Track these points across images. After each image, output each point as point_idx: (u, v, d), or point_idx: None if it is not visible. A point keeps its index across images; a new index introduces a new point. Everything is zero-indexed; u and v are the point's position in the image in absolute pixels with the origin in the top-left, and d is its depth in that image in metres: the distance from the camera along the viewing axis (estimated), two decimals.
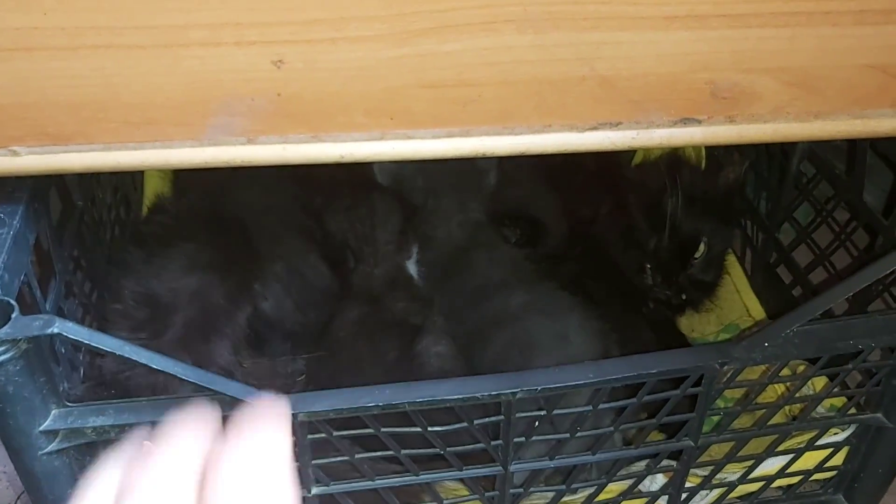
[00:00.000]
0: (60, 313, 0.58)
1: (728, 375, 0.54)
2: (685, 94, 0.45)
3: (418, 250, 0.78)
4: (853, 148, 0.72)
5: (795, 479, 0.66)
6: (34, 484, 0.49)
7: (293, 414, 0.48)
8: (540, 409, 0.53)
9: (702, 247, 0.80)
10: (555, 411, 0.53)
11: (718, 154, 0.92)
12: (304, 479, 0.53)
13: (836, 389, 0.62)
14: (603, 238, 0.84)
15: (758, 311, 0.87)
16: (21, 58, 0.39)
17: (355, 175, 0.79)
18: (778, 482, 0.65)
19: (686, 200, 0.79)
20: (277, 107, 0.43)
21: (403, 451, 0.52)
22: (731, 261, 0.91)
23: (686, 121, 0.47)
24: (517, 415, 0.52)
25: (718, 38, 0.43)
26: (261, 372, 0.64)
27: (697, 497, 0.65)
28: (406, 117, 0.45)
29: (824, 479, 0.68)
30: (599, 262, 0.82)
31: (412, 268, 0.77)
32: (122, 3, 0.38)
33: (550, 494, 0.61)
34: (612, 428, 0.55)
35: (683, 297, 0.81)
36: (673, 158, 0.85)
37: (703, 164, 0.94)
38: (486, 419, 0.52)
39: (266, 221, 0.72)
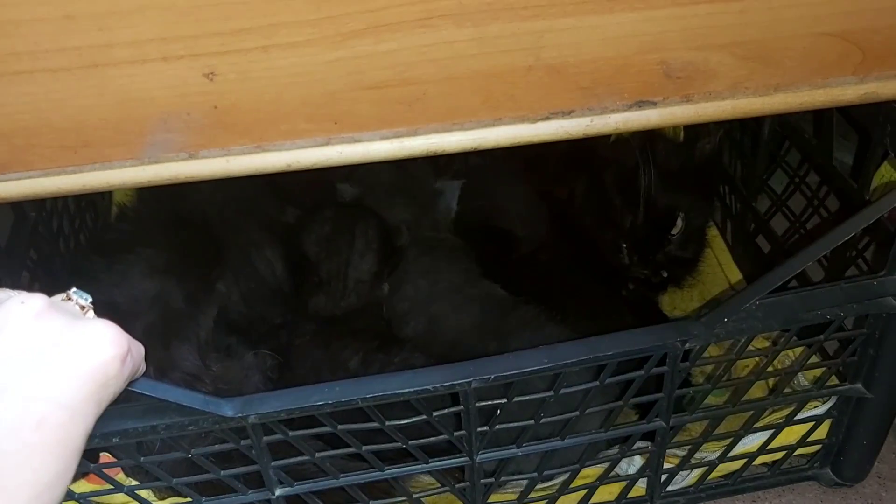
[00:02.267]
0: None
1: (694, 352, 0.54)
2: (637, 77, 0.45)
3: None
4: (820, 111, 0.70)
5: (779, 455, 0.65)
6: None
7: (244, 416, 0.48)
8: (502, 397, 0.52)
9: (679, 222, 0.79)
10: (515, 398, 0.52)
11: (696, 126, 0.90)
12: (266, 482, 0.53)
13: (816, 360, 0.62)
14: (580, 219, 0.82)
15: (740, 284, 0.86)
16: None
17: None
18: (761, 458, 0.65)
19: (661, 175, 0.77)
20: (215, 119, 0.42)
21: (365, 448, 0.52)
22: (713, 234, 0.90)
23: (641, 103, 0.46)
24: (476, 404, 0.51)
25: (666, 17, 0.42)
26: (231, 376, 0.63)
27: (678, 478, 0.65)
28: (350, 120, 0.44)
29: (810, 454, 0.68)
30: (578, 246, 0.81)
31: (384, 293, 0.76)
32: (40, 26, 0.38)
33: (524, 482, 0.60)
34: (576, 413, 0.55)
35: (664, 274, 0.80)
36: (646, 133, 0.83)
37: (681, 137, 0.93)
38: (446, 410, 0.52)
39: (227, 213, 0.72)
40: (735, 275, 0.87)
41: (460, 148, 0.46)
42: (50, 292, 0.64)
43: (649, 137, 0.81)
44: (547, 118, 0.46)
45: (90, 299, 0.41)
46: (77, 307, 0.41)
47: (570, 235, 0.81)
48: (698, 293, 0.86)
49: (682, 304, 0.85)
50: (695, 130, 0.88)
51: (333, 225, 0.75)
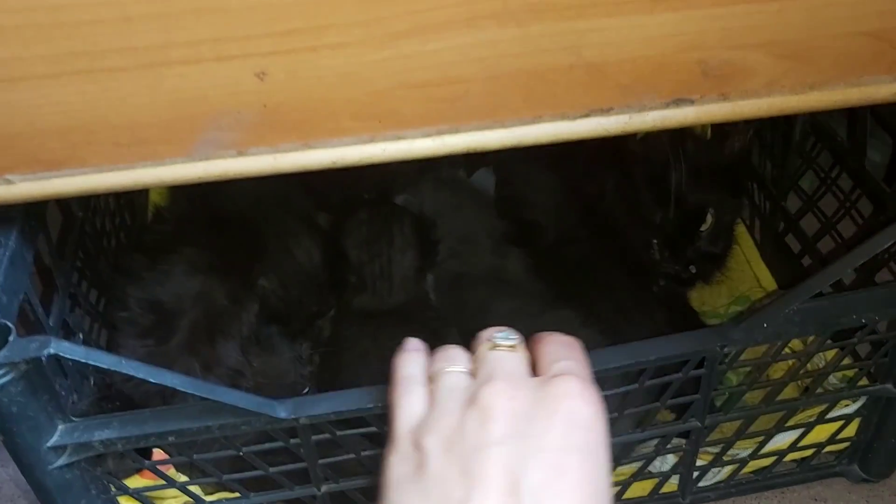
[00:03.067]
0: (66, 327, 0.58)
1: (731, 356, 0.54)
2: (676, 75, 0.45)
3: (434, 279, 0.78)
4: (853, 115, 0.70)
5: (808, 452, 0.66)
6: (48, 498, 0.50)
7: (296, 418, 0.49)
8: None
9: (709, 218, 0.79)
10: None
11: (724, 124, 0.90)
12: (313, 478, 0.54)
13: (847, 361, 0.62)
14: (610, 215, 0.83)
15: (768, 282, 0.86)
16: (5, 88, 0.39)
17: (368, 183, 0.78)
18: (791, 455, 0.66)
19: (691, 171, 0.78)
20: (264, 118, 0.43)
21: None
22: (741, 231, 0.90)
23: (678, 101, 0.46)
24: None
25: (705, 17, 0.43)
26: (271, 371, 0.65)
27: (710, 474, 0.65)
28: (394, 118, 0.44)
29: (838, 451, 0.68)
30: (609, 242, 0.82)
31: (429, 288, 0.77)
32: (99, 28, 0.38)
33: None
34: (616, 414, 0.55)
35: (693, 270, 0.81)
36: (677, 130, 0.84)
37: (709, 134, 0.94)
38: None
39: (263, 208, 0.72)
40: (763, 272, 0.87)
41: (500, 145, 0.46)
42: (98, 290, 0.67)
43: (679, 134, 0.81)
44: (586, 116, 0.46)
45: (514, 336, 0.39)
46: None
47: (600, 232, 0.81)
48: (726, 289, 0.86)
49: (711, 301, 0.86)
50: (724, 128, 0.89)
51: (369, 227, 0.75)
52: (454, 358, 0.39)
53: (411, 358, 0.41)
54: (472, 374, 0.38)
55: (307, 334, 0.69)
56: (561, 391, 0.35)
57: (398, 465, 0.36)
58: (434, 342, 0.65)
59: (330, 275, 0.73)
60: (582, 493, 0.33)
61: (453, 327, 0.71)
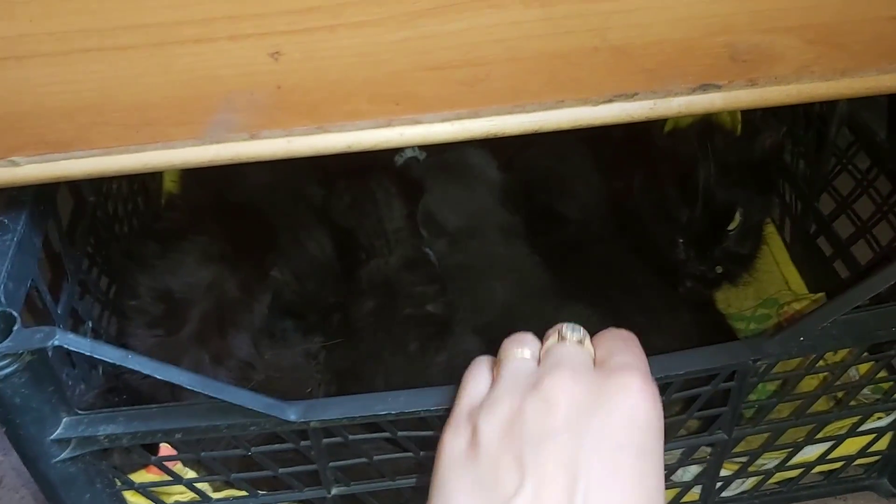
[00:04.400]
0: (74, 315, 0.57)
1: (763, 368, 0.52)
2: (703, 60, 0.43)
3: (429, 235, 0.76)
4: (894, 113, 0.67)
5: (837, 465, 0.63)
6: (51, 491, 0.49)
7: (306, 421, 0.47)
8: None
9: (737, 217, 0.76)
10: None
11: (755, 120, 0.88)
12: (323, 481, 0.53)
13: (882, 374, 0.60)
14: (637, 212, 0.81)
15: (797, 285, 0.83)
16: (12, 66, 0.38)
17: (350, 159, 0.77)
18: (819, 467, 0.63)
19: (720, 169, 0.75)
20: (278, 99, 0.42)
21: (423, 453, 0.51)
22: (770, 231, 0.87)
23: (705, 87, 0.44)
24: None
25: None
26: (282, 363, 0.63)
27: (734, 485, 0.63)
28: (412, 102, 0.43)
29: (868, 464, 0.65)
30: (634, 240, 0.79)
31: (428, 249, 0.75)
32: (109, 4, 0.37)
33: None
34: None
35: (719, 270, 0.78)
36: (706, 125, 0.81)
37: (739, 130, 0.91)
38: None
39: (275, 198, 0.71)
40: (793, 274, 0.84)
41: (520, 131, 0.45)
42: (108, 277, 0.66)
43: (708, 129, 0.79)
44: (610, 101, 0.44)
45: (581, 331, 0.39)
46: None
47: (625, 229, 0.79)
48: (754, 291, 0.83)
49: (737, 302, 0.83)
50: (754, 124, 0.86)
51: (351, 193, 0.74)
52: (524, 342, 0.39)
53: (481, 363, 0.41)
54: (539, 362, 0.38)
55: (323, 328, 0.68)
56: (623, 386, 0.35)
57: (452, 442, 0.35)
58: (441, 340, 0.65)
59: (344, 265, 0.72)
60: (634, 493, 0.32)
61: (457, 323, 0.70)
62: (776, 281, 0.84)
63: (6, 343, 0.41)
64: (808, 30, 0.42)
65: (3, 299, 0.44)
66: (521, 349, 0.38)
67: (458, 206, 0.78)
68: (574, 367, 0.36)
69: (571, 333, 0.38)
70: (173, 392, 0.56)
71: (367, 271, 0.70)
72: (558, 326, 0.39)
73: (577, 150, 0.84)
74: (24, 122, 0.40)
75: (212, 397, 0.44)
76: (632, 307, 0.71)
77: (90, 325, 0.61)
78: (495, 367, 0.38)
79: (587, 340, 0.38)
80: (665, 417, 0.51)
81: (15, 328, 0.41)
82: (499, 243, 0.76)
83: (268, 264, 0.66)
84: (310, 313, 0.70)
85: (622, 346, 0.38)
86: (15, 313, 0.42)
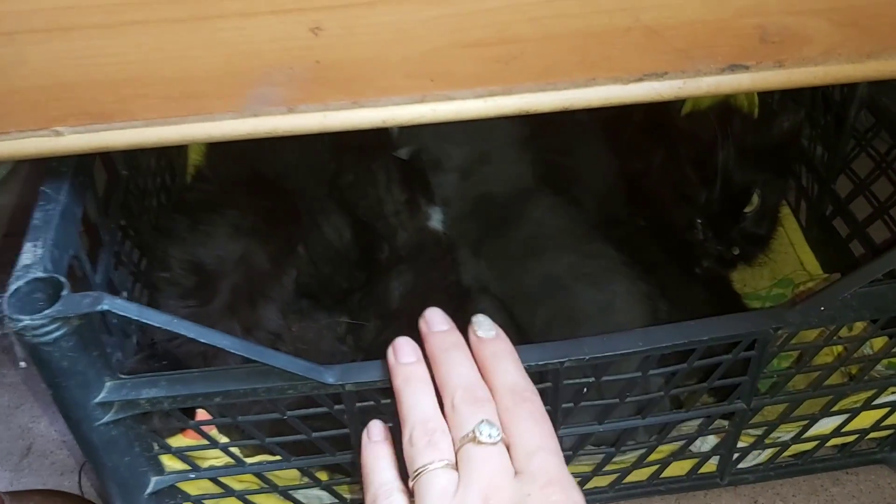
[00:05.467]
0: (111, 285, 0.59)
1: (782, 339, 0.53)
2: (733, 41, 0.44)
3: (443, 206, 0.77)
4: None
5: (851, 438, 0.64)
6: (93, 453, 0.50)
7: (342, 384, 0.49)
8: (587, 377, 0.52)
9: (755, 199, 0.77)
10: (603, 378, 0.52)
11: (772, 102, 0.88)
12: (354, 445, 0.54)
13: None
14: (655, 193, 0.82)
15: (812, 265, 0.84)
16: (59, 38, 0.39)
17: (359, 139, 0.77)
18: (833, 441, 0.64)
19: (738, 151, 0.76)
20: (316, 74, 0.43)
21: None
22: (786, 213, 0.88)
23: (734, 67, 0.45)
24: (564, 382, 0.51)
25: None
26: (309, 335, 0.64)
27: (750, 456, 0.64)
28: (446, 78, 0.44)
29: (880, 438, 0.67)
30: (653, 220, 0.80)
31: (436, 224, 0.76)
32: None
33: (601, 456, 0.60)
34: (661, 393, 0.55)
35: (736, 251, 0.79)
36: (724, 107, 0.82)
37: (756, 113, 0.92)
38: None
39: (300, 179, 0.72)
40: (808, 255, 0.86)
41: (552, 108, 0.46)
42: (140, 250, 0.67)
43: (726, 111, 0.79)
44: (640, 80, 0.45)
45: (496, 431, 0.39)
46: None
47: (644, 210, 0.80)
48: (769, 271, 0.84)
49: (753, 282, 0.84)
50: (772, 107, 0.87)
51: (353, 171, 0.75)
52: (437, 445, 0.38)
53: (380, 456, 0.41)
54: (454, 466, 0.38)
55: (345, 308, 0.69)
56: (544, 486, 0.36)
57: None
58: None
59: (362, 252, 0.73)
60: None
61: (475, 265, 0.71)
62: (791, 261, 0.85)
63: (56, 307, 0.42)
64: (836, 12, 0.43)
65: (49, 266, 0.45)
66: (436, 457, 0.38)
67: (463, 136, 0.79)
68: (495, 482, 0.36)
69: (487, 435, 0.38)
70: (206, 359, 0.58)
71: (385, 252, 0.71)
72: (474, 425, 0.38)
73: (589, 135, 0.84)
74: (68, 93, 0.41)
75: (253, 361, 0.45)
76: (650, 286, 0.72)
77: (125, 295, 0.62)
78: (411, 481, 0.38)
79: (500, 436, 0.38)
80: (686, 385, 0.53)
81: (63, 293, 0.43)
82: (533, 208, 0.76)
83: (295, 239, 0.67)
84: (325, 296, 0.71)
85: (533, 429, 0.39)
86: (63, 279, 0.44)
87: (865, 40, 0.45)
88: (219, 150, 0.74)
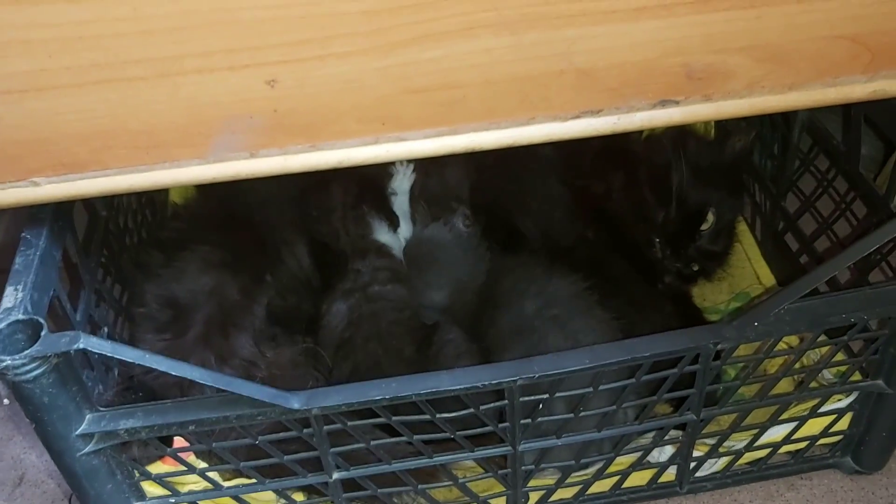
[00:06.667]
0: (91, 322, 0.62)
1: (725, 352, 0.56)
2: (661, 79, 0.48)
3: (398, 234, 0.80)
4: (848, 119, 0.72)
5: (802, 445, 0.67)
6: (76, 482, 0.53)
7: (308, 409, 0.52)
8: (544, 393, 0.56)
9: (710, 217, 0.81)
10: (556, 394, 0.55)
11: (727, 123, 0.92)
12: (325, 466, 0.57)
13: (841, 357, 0.64)
14: (617, 214, 0.85)
15: (768, 278, 0.88)
16: (32, 98, 0.42)
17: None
18: (786, 448, 0.67)
19: (692, 172, 0.79)
20: (275, 122, 0.46)
21: (416, 437, 0.56)
22: (742, 229, 0.92)
23: (664, 102, 0.49)
24: (521, 399, 0.54)
25: (687, 24, 0.45)
26: (283, 360, 0.67)
27: (707, 465, 0.67)
28: (397, 121, 0.47)
29: (832, 444, 0.70)
30: (617, 240, 0.84)
31: (384, 239, 0.79)
32: (120, 40, 0.41)
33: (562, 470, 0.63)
34: (614, 407, 0.58)
35: (695, 267, 0.82)
36: (679, 131, 0.85)
37: (712, 134, 0.95)
38: (492, 404, 0.55)
39: (266, 213, 0.76)
40: (763, 269, 0.89)
41: (497, 145, 0.49)
42: (121, 286, 0.70)
43: (681, 135, 0.83)
44: (577, 117, 0.49)
45: None
46: None
47: (608, 230, 0.83)
48: (728, 286, 0.88)
49: (712, 297, 0.88)
50: (726, 129, 0.91)
51: (314, 192, 0.79)
52: None
53: None
54: None
55: (309, 335, 0.72)
56: None
57: None
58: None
59: (322, 277, 0.76)
60: None
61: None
62: (748, 276, 0.89)
63: (35, 347, 0.45)
64: (756, 49, 0.47)
65: (29, 308, 0.48)
66: None
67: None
68: None
69: None
70: (182, 389, 0.61)
71: (339, 277, 0.74)
72: None
73: (532, 167, 0.87)
74: (43, 146, 0.44)
75: (222, 390, 0.48)
76: (620, 301, 0.75)
77: (106, 330, 0.65)
78: None
79: None
80: (637, 399, 0.56)
81: (42, 333, 0.46)
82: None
83: (263, 268, 0.70)
84: (294, 323, 0.74)
85: None
86: (42, 320, 0.47)
87: (785, 73, 0.48)
88: (199, 188, 0.77)
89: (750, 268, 0.90)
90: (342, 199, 0.78)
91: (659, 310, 0.79)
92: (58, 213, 0.55)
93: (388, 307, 0.72)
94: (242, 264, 0.68)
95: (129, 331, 0.68)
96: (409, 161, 0.85)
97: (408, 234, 0.82)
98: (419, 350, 0.69)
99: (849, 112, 0.72)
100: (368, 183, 0.80)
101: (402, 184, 0.83)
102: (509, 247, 0.81)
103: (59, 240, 0.55)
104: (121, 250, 0.71)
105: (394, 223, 0.80)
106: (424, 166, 0.85)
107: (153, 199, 0.83)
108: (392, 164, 0.84)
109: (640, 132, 0.92)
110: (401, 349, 0.69)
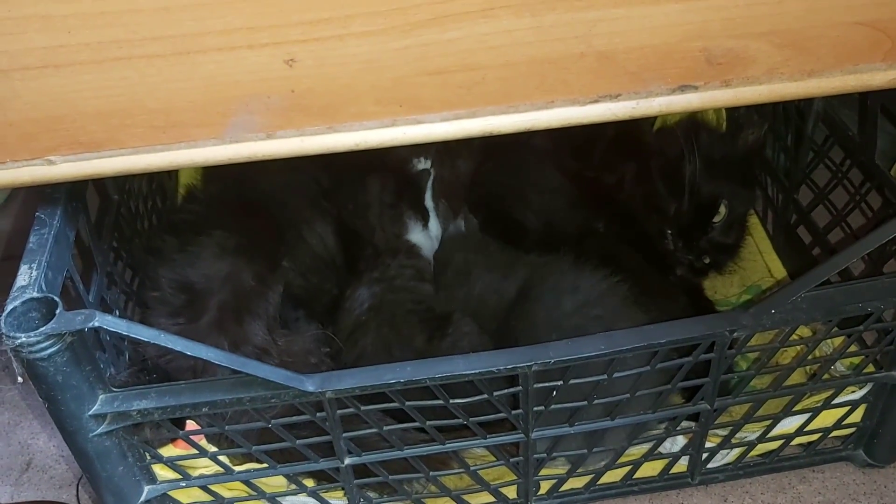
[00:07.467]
0: (104, 304, 0.61)
1: (740, 341, 0.56)
2: (681, 63, 0.47)
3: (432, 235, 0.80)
4: (864, 110, 0.72)
5: (815, 437, 0.67)
6: (88, 463, 0.53)
7: (322, 392, 0.51)
8: (558, 380, 0.55)
9: (722, 209, 0.80)
10: (570, 381, 0.55)
11: (738, 117, 0.92)
12: (337, 451, 0.57)
13: (855, 349, 0.64)
14: (629, 206, 0.85)
15: (779, 271, 0.88)
16: (50, 74, 0.42)
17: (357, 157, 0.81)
18: (798, 440, 0.67)
19: (705, 164, 0.79)
20: (292, 102, 0.46)
21: (429, 423, 0.55)
22: (754, 222, 0.91)
23: (683, 88, 0.48)
24: (535, 385, 0.54)
25: (709, 8, 0.45)
26: (295, 348, 0.67)
27: (719, 456, 0.67)
28: (414, 103, 0.47)
29: (844, 436, 0.69)
30: (630, 232, 0.83)
31: (417, 239, 0.79)
32: (139, 17, 0.41)
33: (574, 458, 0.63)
34: (627, 395, 0.57)
35: (706, 260, 0.82)
36: (691, 122, 0.85)
37: (724, 127, 0.95)
38: (506, 391, 0.55)
39: (284, 197, 0.75)
40: (775, 262, 0.89)
41: (514, 129, 0.49)
42: (131, 270, 0.70)
43: (693, 126, 0.83)
44: (596, 101, 0.48)
45: None
46: None
47: (619, 222, 0.83)
48: (738, 279, 0.88)
49: (723, 290, 0.87)
50: (738, 121, 0.90)
51: (349, 181, 0.79)
52: None
53: None
54: None
55: (330, 313, 0.72)
56: None
57: None
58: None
59: (347, 256, 0.76)
60: None
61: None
62: (759, 269, 0.89)
63: (50, 325, 0.45)
64: (777, 35, 0.47)
65: (44, 286, 0.48)
66: None
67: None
68: None
69: None
70: (195, 372, 0.60)
71: (366, 264, 0.74)
72: None
73: (534, 160, 0.87)
74: (59, 124, 0.44)
75: (236, 371, 0.48)
76: (635, 290, 0.75)
77: (117, 313, 0.65)
78: None
79: None
80: (651, 387, 0.55)
81: (57, 311, 0.46)
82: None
83: (280, 255, 0.70)
84: (317, 304, 0.74)
85: None
86: (57, 299, 0.46)
87: (806, 60, 0.48)
88: (209, 171, 0.77)
89: (761, 261, 0.89)
90: (380, 196, 0.78)
91: (674, 300, 0.79)
92: (72, 194, 0.55)
93: (408, 298, 0.72)
94: (258, 250, 0.68)
95: (140, 315, 0.67)
96: (427, 157, 0.85)
97: (436, 231, 0.82)
98: (430, 341, 0.69)
99: (865, 102, 0.71)
100: (406, 180, 0.80)
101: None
102: (510, 239, 0.81)
103: (73, 220, 0.55)
104: (132, 235, 0.71)
105: (427, 221, 0.80)
106: (440, 159, 0.86)
107: (163, 185, 0.83)
108: (414, 158, 0.84)
109: (651, 124, 0.93)
110: (412, 337, 0.69)
